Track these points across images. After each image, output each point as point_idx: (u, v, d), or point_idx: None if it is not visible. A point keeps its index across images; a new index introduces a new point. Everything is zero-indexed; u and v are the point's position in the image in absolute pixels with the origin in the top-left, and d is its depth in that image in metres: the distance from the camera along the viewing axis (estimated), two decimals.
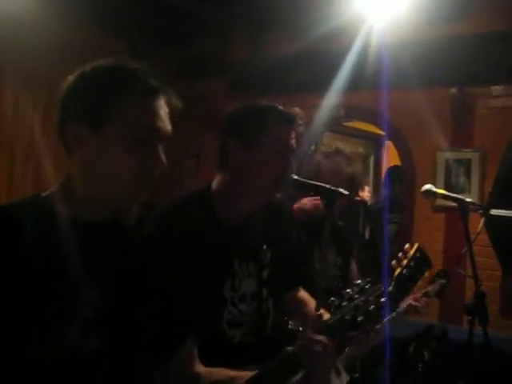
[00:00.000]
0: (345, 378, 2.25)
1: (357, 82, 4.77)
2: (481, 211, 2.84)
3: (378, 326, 2.30)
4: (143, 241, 1.38)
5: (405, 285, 1.84)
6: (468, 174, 4.77)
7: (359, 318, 1.48)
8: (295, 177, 1.97)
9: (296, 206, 2.71)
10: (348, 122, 6.36)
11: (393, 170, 6.01)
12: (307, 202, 2.69)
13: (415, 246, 2.03)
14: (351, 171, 2.64)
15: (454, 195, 2.64)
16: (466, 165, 4.79)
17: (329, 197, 1.96)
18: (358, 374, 2.56)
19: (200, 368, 1.49)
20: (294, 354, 1.52)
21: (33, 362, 1.17)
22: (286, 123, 1.92)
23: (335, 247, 2.83)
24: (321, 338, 1.49)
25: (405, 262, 1.93)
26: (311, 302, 2.19)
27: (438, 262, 4.78)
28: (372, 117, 5.50)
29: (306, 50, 5.29)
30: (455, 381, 2.95)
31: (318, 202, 2.62)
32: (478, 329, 2.48)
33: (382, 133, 6.47)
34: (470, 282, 2.75)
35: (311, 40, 4.88)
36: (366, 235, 4.57)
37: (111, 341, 1.25)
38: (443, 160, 4.89)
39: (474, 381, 2.79)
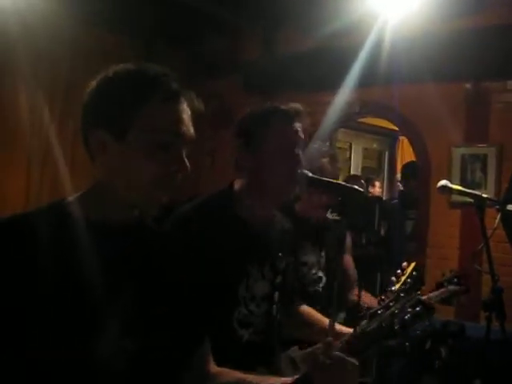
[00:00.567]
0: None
1: (370, 78, 4.75)
2: (497, 207, 2.81)
3: None
4: (166, 241, 1.39)
5: (398, 297, 1.87)
6: (484, 170, 4.74)
7: (396, 326, 1.47)
8: (309, 174, 1.97)
9: (305, 208, 2.66)
10: (362, 118, 6.34)
11: (409, 165, 5.99)
12: (316, 210, 2.67)
13: (412, 265, 2.10)
14: (333, 171, 2.61)
15: (470, 191, 2.62)
16: (483, 160, 4.75)
17: (343, 194, 1.95)
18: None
19: (214, 368, 1.50)
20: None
21: (64, 366, 1.18)
22: (288, 121, 1.94)
23: (318, 246, 2.76)
24: (349, 358, 1.41)
25: (402, 278, 1.97)
26: (313, 314, 2.24)
27: (454, 259, 4.77)
28: (386, 113, 5.48)
29: (318, 47, 5.28)
30: (472, 378, 2.93)
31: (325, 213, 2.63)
32: (496, 325, 2.46)
33: (397, 128, 6.45)
34: (486, 278, 2.74)
35: (324, 37, 4.87)
36: (382, 232, 4.56)
37: (142, 342, 1.27)
38: (459, 155, 4.86)
39: (492, 378, 2.77)
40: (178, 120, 1.27)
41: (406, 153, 8.14)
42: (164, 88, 1.26)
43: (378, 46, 4.69)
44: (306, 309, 2.26)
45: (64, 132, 5.17)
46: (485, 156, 4.75)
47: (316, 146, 2.60)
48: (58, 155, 4.82)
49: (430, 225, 5.03)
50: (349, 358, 1.37)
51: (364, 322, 1.54)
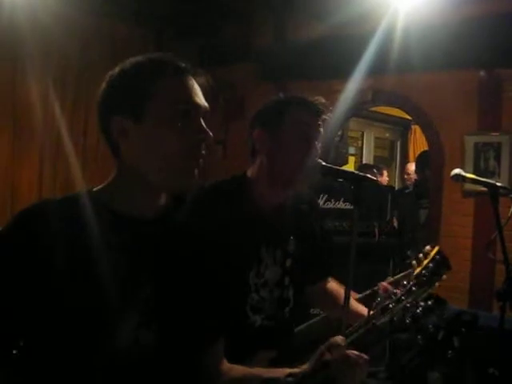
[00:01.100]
0: None
1: (383, 67, 4.71)
2: (511, 195, 2.79)
3: None
4: (182, 229, 1.39)
5: (422, 285, 1.84)
6: (498, 158, 4.70)
7: (407, 321, 1.46)
8: (322, 163, 1.97)
9: None
10: (374, 106, 6.30)
11: (423, 155, 5.96)
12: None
13: (436, 249, 2.07)
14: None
15: (484, 179, 2.60)
16: (496, 148, 4.71)
17: (356, 182, 1.94)
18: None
19: (225, 365, 1.49)
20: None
21: (88, 357, 1.19)
22: (307, 110, 1.96)
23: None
24: (358, 354, 1.42)
25: (425, 262, 1.95)
26: (340, 293, 2.20)
27: (467, 248, 4.75)
28: (399, 101, 5.44)
29: (331, 35, 5.24)
30: (486, 368, 2.93)
31: None
32: (510, 315, 2.45)
33: (409, 117, 6.41)
34: (500, 267, 2.72)
35: (336, 25, 4.83)
36: (394, 221, 4.54)
37: (164, 332, 1.28)
38: (472, 144, 4.82)
39: (506, 367, 2.76)
40: (191, 91, 1.29)
41: (418, 142, 8.10)
42: (173, 65, 1.29)
43: (390, 33, 4.64)
44: (332, 287, 2.23)
45: (75, 123, 5.19)
46: (498, 144, 4.70)
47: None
48: (69, 146, 4.84)
49: (443, 214, 5.01)
50: (354, 356, 1.38)
51: (375, 316, 1.52)
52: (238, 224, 1.81)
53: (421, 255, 2.02)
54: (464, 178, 2.59)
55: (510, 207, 2.69)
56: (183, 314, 1.32)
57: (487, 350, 3.14)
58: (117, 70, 1.31)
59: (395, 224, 4.53)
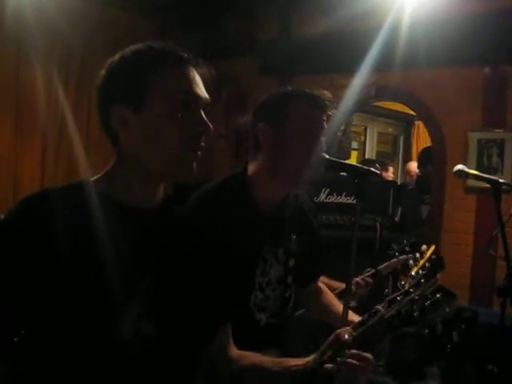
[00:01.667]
0: None
1: (387, 62, 4.70)
2: None
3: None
4: (184, 225, 1.39)
5: (419, 283, 1.86)
6: (501, 155, 4.69)
7: (415, 313, 1.45)
8: (326, 156, 1.96)
9: None
10: (378, 101, 6.28)
11: (425, 151, 5.95)
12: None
13: (432, 248, 2.09)
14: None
15: (487, 176, 2.60)
16: (500, 145, 4.70)
17: (359, 176, 1.94)
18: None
19: (235, 352, 1.50)
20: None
21: (89, 347, 1.19)
22: (312, 105, 1.93)
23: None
24: (364, 357, 1.41)
25: (421, 262, 1.96)
26: (329, 292, 2.23)
27: (468, 244, 4.75)
28: (403, 96, 5.43)
29: (335, 30, 5.22)
30: (486, 364, 2.93)
31: None
32: (510, 311, 2.45)
33: (412, 113, 6.40)
34: (501, 263, 2.72)
35: (341, 19, 4.82)
36: (397, 216, 4.53)
37: (165, 323, 1.27)
38: (475, 140, 4.81)
39: (506, 364, 2.76)
40: (192, 81, 1.28)
41: (421, 138, 8.08)
42: (174, 55, 1.28)
43: (395, 29, 4.63)
44: (322, 290, 2.24)
45: (79, 112, 5.19)
46: (502, 141, 4.69)
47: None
48: (72, 135, 4.83)
49: (445, 210, 5.01)
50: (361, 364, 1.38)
51: (382, 309, 1.51)
52: (241, 223, 1.79)
53: (417, 255, 2.04)
54: (467, 173, 2.59)
55: None
56: (183, 305, 1.32)
57: (487, 347, 3.14)
58: (117, 57, 1.30)
59: (397, 219, 4.52)
